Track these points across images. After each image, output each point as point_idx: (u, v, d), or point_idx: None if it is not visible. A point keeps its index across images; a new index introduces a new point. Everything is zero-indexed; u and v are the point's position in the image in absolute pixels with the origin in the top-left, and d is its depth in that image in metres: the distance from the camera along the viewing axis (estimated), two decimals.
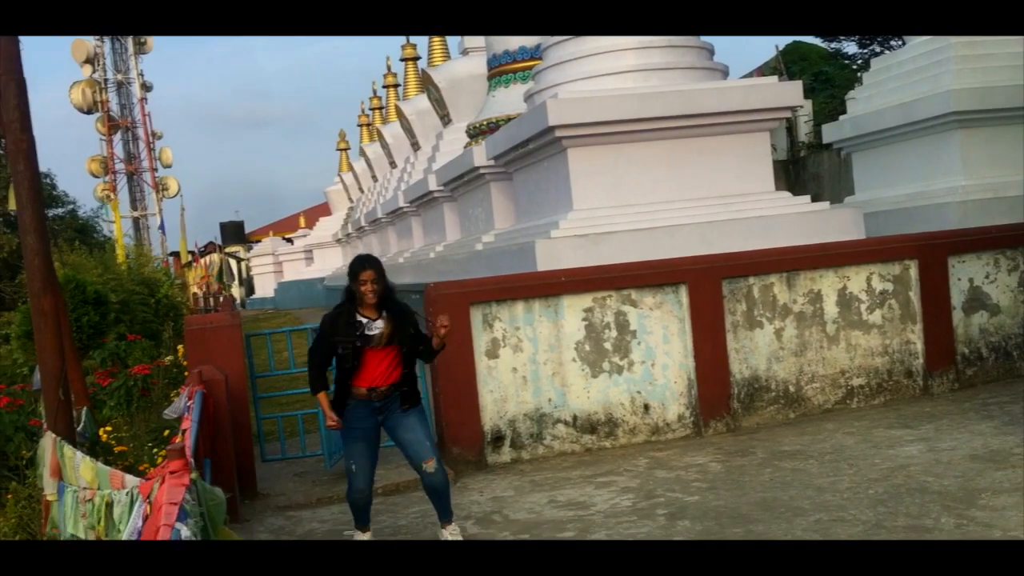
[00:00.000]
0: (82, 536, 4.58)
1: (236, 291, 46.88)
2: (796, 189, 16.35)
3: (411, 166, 20.39)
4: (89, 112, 40.56)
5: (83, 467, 4.60)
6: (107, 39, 42.46)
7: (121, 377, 9.07)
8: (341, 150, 38.67)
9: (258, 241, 51.64)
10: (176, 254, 41.60)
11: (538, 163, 9.91)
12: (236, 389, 7.02)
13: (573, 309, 7.74)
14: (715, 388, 7.87)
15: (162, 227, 41.95)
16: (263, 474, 7.47)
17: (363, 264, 5.33)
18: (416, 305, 9.14)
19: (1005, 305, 8.89)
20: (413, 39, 27.13)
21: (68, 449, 4.95)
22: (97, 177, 40.55)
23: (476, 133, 13.86)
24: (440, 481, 5.43)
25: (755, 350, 8.08)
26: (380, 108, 33.05)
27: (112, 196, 39.11)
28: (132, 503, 3.81)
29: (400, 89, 29.29)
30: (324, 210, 42.84)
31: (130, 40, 42.60)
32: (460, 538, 5.54)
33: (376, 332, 5.29)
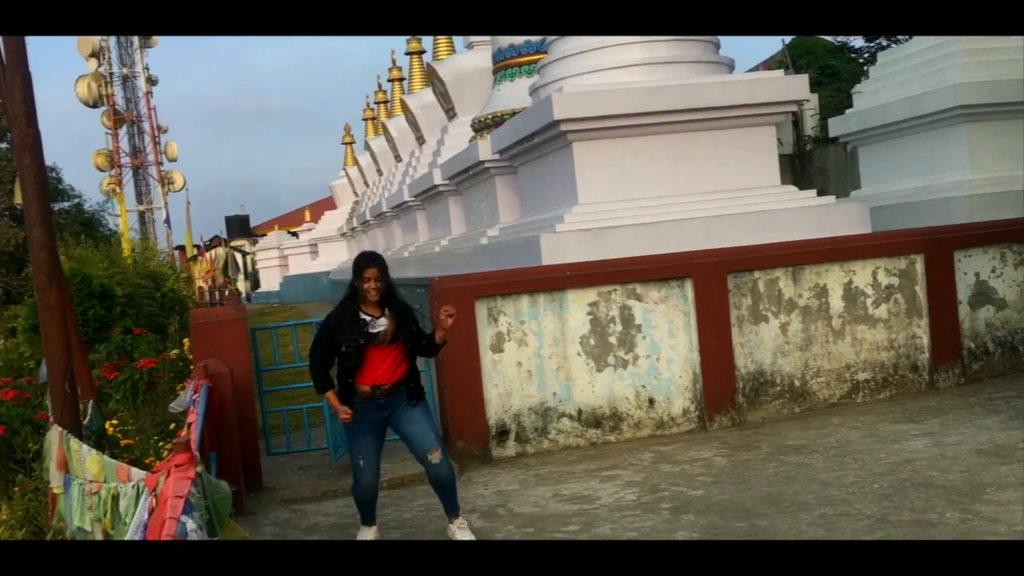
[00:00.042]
0: (88, 529, 4.60)
1: (241, 285, 46.97)
2: (802, 183, 16.32)
3: (416, 160, 20.39)
4: (95, 106, 40.63)
5: (89, 460, 4.61)
6: None
7: (127, 370, 9.10)
8: (346, 144, 38.69)
9: (263, 235, 51.73)
10: (182, 248, 41.71)
11: (543, 157, 9.90)
12: (241, 383, 7.03)
13: (578, 303, 7.74)
14: (720, 382, 7.86)
15: (167, 221, 42.03)
16: (268, 467, 7.49)
17: (368, 261, 5.32)
18: (421, 299, 9.16)
19: (1011, 300, 8.87)
20: None
21: (74, 442, 4.96)
22: (103, 171, 40.64)
23: (481, 127, 13.85)
24: (445, 473, 5.43)
25: (760, 344, 8.07)
26: (385, 102, 33.04)
27: (118, 190, 39.19)
28: (138, 496, 3.82)
29: (405, 83, 29.25)
30: (329, 204, 42.89)
31: None
32: (469, 532, 5.52)
33: (379, 330, 5.29)
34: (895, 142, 11.78)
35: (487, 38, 15.96)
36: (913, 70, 11.56)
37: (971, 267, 8.75)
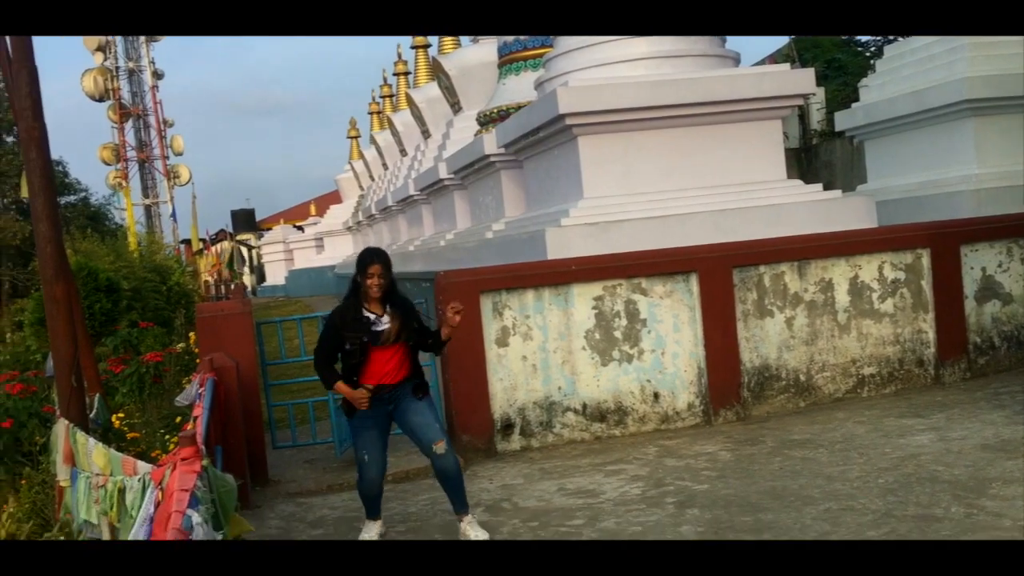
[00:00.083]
0: (95, 521, 4.62)
1: (247, 279, 47.04)
2: (808, 177, 16.28)
3: (421, 154, 20.38)
4: (101, 100, 40.61)
5: (96, 453, 4.63)
6: None
7: (133, 364, 9.12)
8: (352, 138, 38.70)
9: (269, 229, 51.77)
10: (187, 242, 41.74)
11: (549, 151, 9.89)
12: (247, 376, 7.05)
13: (583, 297, 7.74)
14: (725, 377, 7.86)
15: (174, 215, 42.07)
16: (274, 461, 7.50)
17: (372, 257, 5.32)
18: (427, 293, 9.16)
19: (1017, 294, 8.84)
20: None
21: (81, 435, 4.98)
22: (109, 165, 40.64)
23: (486, 121, 13.83)
24: (450, 464, 5.39)
25: (766, 339, 8.06)
26: (391, 96, 33.01)
27: (124, 184, 39.21)
28: (144, 489, 3.83)
29: (411, 77, 29.25)
30: (335, 198, 42.88)
31: None
32: (481, 529, 5.41)
33: (383, 328, 5.28)
34: (901, 136, 11.75)
35: None
36: (920, 64, 11.52)
37: (977, 262, 8.73)
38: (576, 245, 8.34)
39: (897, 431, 6.97)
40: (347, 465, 7.14)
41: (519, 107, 11.86)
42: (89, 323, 10.27)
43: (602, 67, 9.26)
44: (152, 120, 43.34)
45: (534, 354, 7.65)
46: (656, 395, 7.83)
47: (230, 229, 55.36)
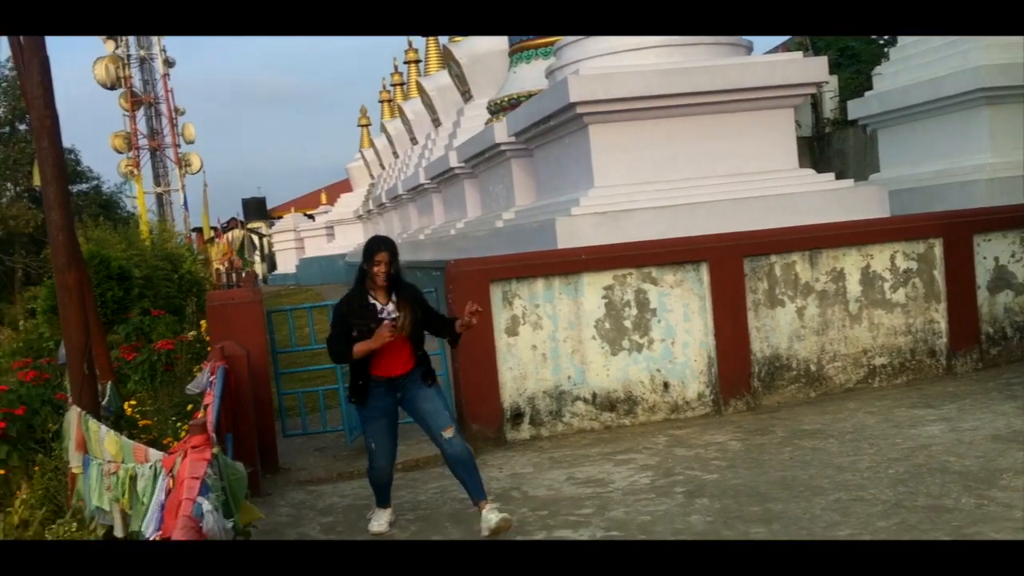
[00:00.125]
0: (107, 508, 4.65)
1: (258, 267, 47.17)
2: (821, 166, 16.19)
3: (432, 142, 20.36)
4: (112, 88, 40.69)
5: (107, 441, 4.66)
6: None
7: (145, 352, 9.18)
8: (362, 126, 38.66)
9: (280, 217, 51.87)
10: (199, 230, 41.87)
11: (559, 140, 9.86)
12: (257, 365, 7.07)
13: (593, 287, 7.73)
14: (735, 366, 7.84)
15: (185, 204, 42.20)
16: (284, 449, 7.54)
17: (379, 245, 5.33)
18: (437, 282, 9.16)
19: None
20: None
21: (93, 423, 5.01)
22: (120, 153, 40.74)
23: (497, 109, 13.80)
24: (461, 449, 5.36)
25: (776, 328, 8.04)
26: (401, 84, 32.96)
27: (135, 172, 39.34)
28: (155, 477, 3.86)
29: (421, 65, 29.17)
30: (345, 186, 42.91)
31: None
32: (501, 514, 5.21)
33: (393, 317, 5.28)
34: (915, 125, 11.66)
35: None
36: (934, 52, 11.42)
37: (990, 251, 8.67)
38: (586, 234, 8.32)
39: (908, 421, 6.95)
40: (357, 453, 7.16)
41: (530, 95, 11.82)
42: (101, 311, 10.32)
43: (613, 55, 9.22)
44: (163, 108, 43.43)
45: (544, 343, 7.65)
46: (666, 385, 7.83)
47: (241, 217, 55.50)
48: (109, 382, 6.71)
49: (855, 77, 19.50)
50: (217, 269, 33.48)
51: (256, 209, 56.15)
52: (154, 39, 42.72)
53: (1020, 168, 10.28)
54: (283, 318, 8.91)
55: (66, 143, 6.44)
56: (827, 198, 8.90)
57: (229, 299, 7.56)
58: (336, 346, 5.36)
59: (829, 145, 18.25)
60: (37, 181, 6.36)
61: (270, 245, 50.36)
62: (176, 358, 9.10)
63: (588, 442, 7.34)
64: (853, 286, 8.22)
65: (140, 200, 36.62)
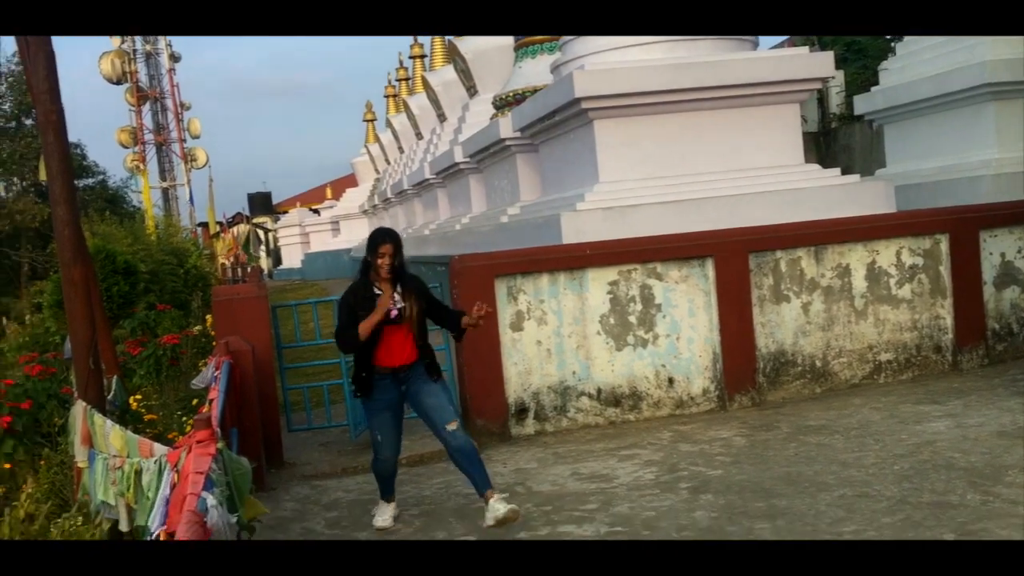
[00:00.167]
0: (112, 503, 4.66)
1: (264, 262, 47.23)
2: (827, 161, 16.15)
3: (437, 137, 20.35)
4: (118, 83, 40.76)
5: (113, 435, 4.67)
6: None
7: (151, 346, 9.20)
8: (367, 121, 38.63)
9: (285, 212, 51.91)
10: (204, 224, 41.94)
11: (564, 135, 9.85)
12: (262, 360, 7.09)
13: (598, 282, 7.72)
14: (740, 362, 7.83)
15: (191, 199, 42.26)
16: (289, 444, 7.55)
17: (383, 237, 5.34)
18: (442, 277, 9.16)
19: None
20: None
21: (98, 417, 5.02)
22: (126, 147, 40.82)
23: (502, 104, 13.79)
24: (464, 441, 5.36)
25: (781, 324, 8.03)
26: (406, 79, 32.95)
27: (141, 166, 39.40)
28: (160, 471, 3.87)
29: (426, 60, 29.14)
30: (351, 181, 42.93)
31: None
32: (510, 505, 5.20)
33: (400, 306, 5.30)
34: (921, 120, 11.62)
35: None
36: (940, 47, 11.37)
37: (996, 247, 8.65)
38: (591, 229, 8.31)
39: (913, 417, 6.94)
40: (362, 448, 7.17)
41: (535, 91, 11.81)
42: (107, 305, 10.33)
43: (618, 50, 9.20)
44: (169, 103, 43.48)
45: (549, 339, 7.65)
46: (671, 380, 7.82)
47: (247, 212, 55.53)
48: (115, 376, 6.72)
49: (861, 72, 19.44)
50: (222, 264, 33.49)
51: (261, 204, 56.18)
52: None
53: None
54: (288, 313, 8.93)
55: (72, 138, 6.46)
56: (833, 193, 8.88)
57: (234, 294, 7.57)
58: (346, 333, 5.35)
59: (835, 140, 18.21)
60: (43, 176, 6.38)
61: (275, 240, 50.40)
62: (181, 353, 9.13)
63: (593, 437, 7.34)
64: (859, 282, 8.21)
65: (146, 195, 36.68)
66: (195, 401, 7.15)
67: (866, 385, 8.15)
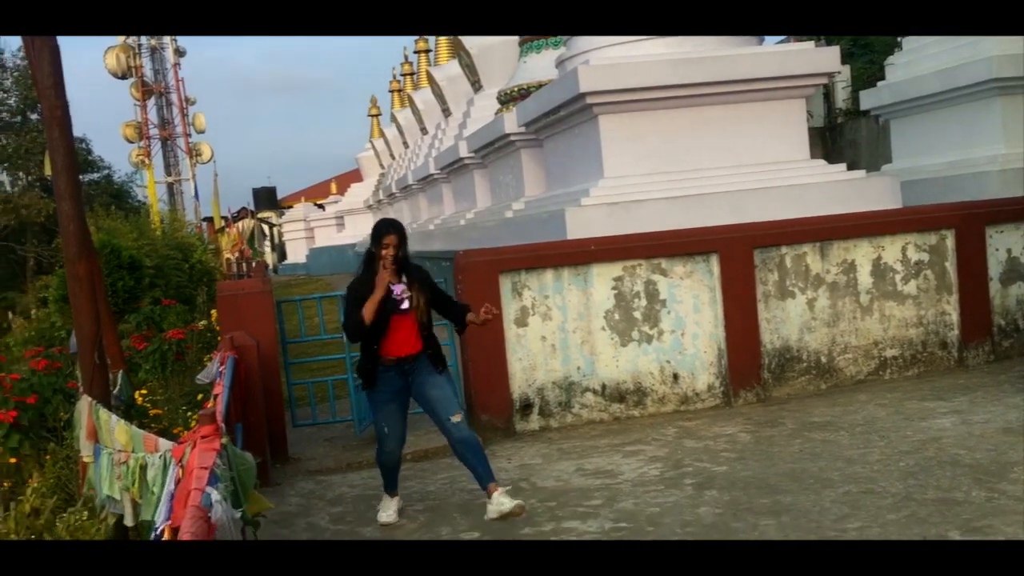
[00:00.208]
0: (117, 497, 4.67)
1: (268, 257, 47.28)
2: (832, 157, 16.10)
3: (442, 132, 20.33)
4: (123, 77, 40.78)
5: (118, 430, 4.67)
6: None
7: (156, 341, 9.21)
8: (372, 116, 38.63)
9: (290, 207, 51.98)
10: (209, 219, 41.96)
11: (569, 130, 9.83)
12: (267, 355, 7.09)
13: (603, 278, 7.71)
14: (745, 358, 7.82)
15: (196, 193, 42.32)
16: (294, 439, 7.56)
17: (388, 228, 5.35)
18: (446, 272, 9.16)
19: None
20: None
21: (103, 412, 5.03)
22: (131, 142, 40.86)
23: (507, 100, 13.76)
24: (467, 434, 5.38)
25: (787, 320, 8.01)
26: (411, 74, 32.92)
27: (146, 161, 39.44)
28: (165, 466, 3.87)
29: (431, 55, 29.09)
30: (356, 176, 42.96)
31: None
32: (516, 500, 5.21)
33: (406, 296, 5.32)
34: (928, 115, 11.58)
35: None
36: (947, 41, 11.32)
37: (1003, 243, 8.62)
38: (596, 225, 8.30)
39: (919, 414, 6.92)
40: (366, 443, 7.18)
41: (540, 86, 11.78)
42: (112, 300, 10.36)
43: (623, 45, 9.17)
44: (174, 98, 43.50)
45: (553, 334, 7.65)
46: (675, 376, 7.81)
47: (252, 207, 55.60)
48: (120, 371, 6.73)
49: (867, 67, 19.36)
50: (227, 259, 33.55)
51: (266, 199, 56.29)
52: None
53: None
54: (293, 308, 8.93)
55: (77, 133, 6.46)
56: (839, 189, 8.86)
57: (239, 289, 7.58)
58: (353, 320, 5.33)
59: (841, 135, 18.15)
60: (48, 171, 6.37)
61: (280, 235, 50.49)
62: (187, 348, 9.14)
63: (597, 433, 7.34)
64: (864, 277, 8.19)
65: (151, 189, 36.71)
66: (200, 396, 7.16)
67: (871, 381, 8.14)
